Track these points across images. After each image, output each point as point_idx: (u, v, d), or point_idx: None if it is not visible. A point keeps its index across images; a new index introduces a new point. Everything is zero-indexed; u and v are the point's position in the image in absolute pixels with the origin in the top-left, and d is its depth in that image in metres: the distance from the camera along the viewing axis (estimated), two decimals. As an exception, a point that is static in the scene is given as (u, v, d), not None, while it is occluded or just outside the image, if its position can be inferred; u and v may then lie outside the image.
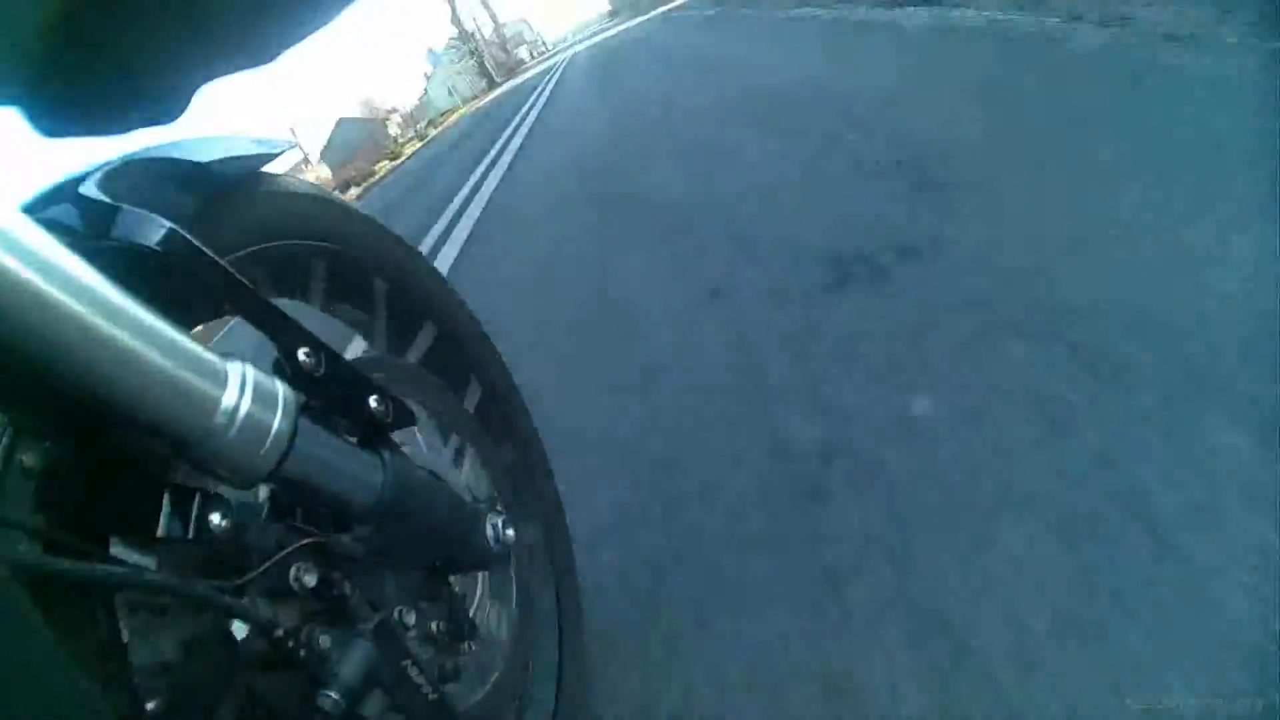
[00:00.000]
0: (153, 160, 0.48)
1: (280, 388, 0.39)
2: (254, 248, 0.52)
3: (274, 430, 0.38)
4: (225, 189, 0.51)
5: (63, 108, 0.42)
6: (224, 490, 0.39)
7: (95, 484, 0.35)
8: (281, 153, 0.57)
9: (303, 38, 0.50)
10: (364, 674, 0.41)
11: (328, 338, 0.47)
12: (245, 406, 0.36)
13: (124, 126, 0.46)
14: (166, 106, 0.46)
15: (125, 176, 0.45)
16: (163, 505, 0.36)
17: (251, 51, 0.48)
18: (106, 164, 0.46)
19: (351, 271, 0.63)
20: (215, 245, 0.43)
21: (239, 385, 0.37)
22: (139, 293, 0.35)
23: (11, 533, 0.31)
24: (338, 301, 0.64)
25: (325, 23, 0.50)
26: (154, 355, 0.34)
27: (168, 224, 0.39)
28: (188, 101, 0.47)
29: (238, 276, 0.43)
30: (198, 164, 0.50)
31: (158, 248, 0.39)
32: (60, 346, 0.31)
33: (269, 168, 0.57)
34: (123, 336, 0.33)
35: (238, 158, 0.53)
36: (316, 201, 0.60)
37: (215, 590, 0.37)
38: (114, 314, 0.33)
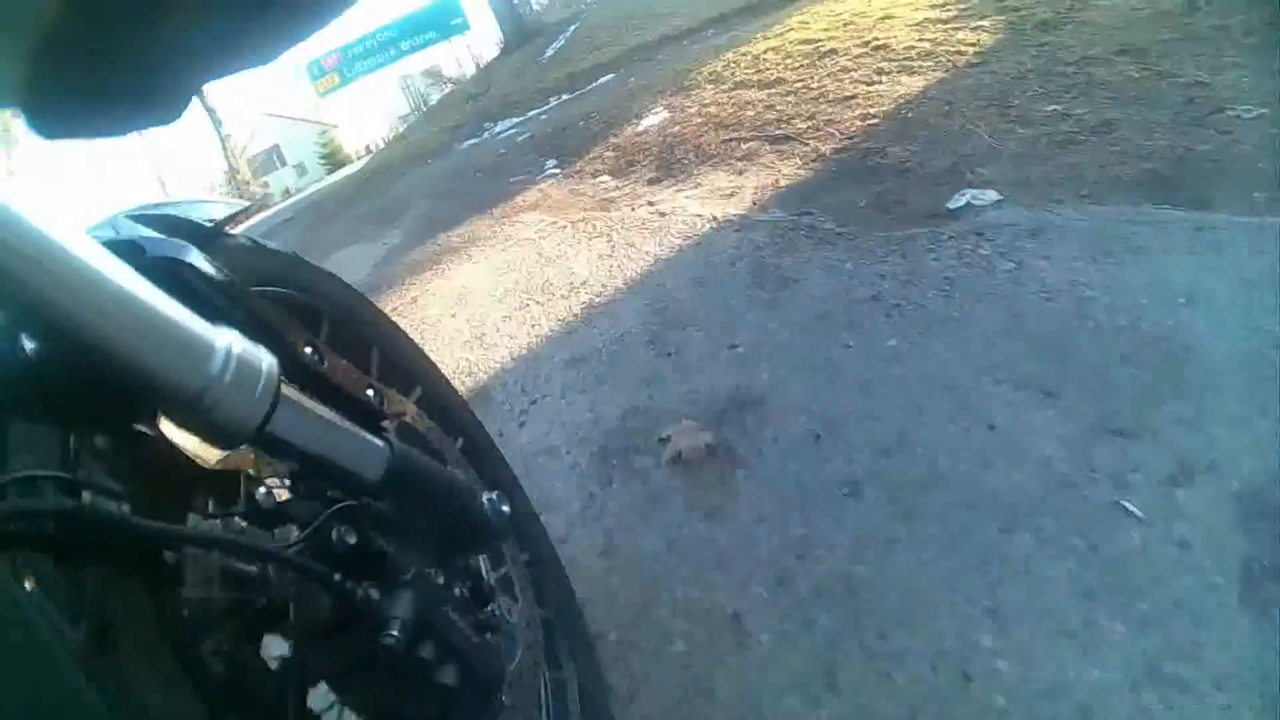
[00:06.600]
0: (146, 216, 0.54)
1: (263, 352, 0.42)
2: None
3: (258, 389, 0.40)
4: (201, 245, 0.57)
5: (63, 108, 0.42)
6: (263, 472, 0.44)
7: (161, 462, 0.39)
8: (243, 211, 0.66)
9: (303, 37, 0.50)
10: (414, 614, 0.46)
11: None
12: (232, 368, 0.39)
13: (124, 127, 0.46)
14: (166, 106, 0.46)
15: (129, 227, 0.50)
16: (212, 486, 0.42)
17: (251, 51, 0.48)
18: (110, 221, 0.50)
19: (307, 313, 0.69)
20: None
21: (226, 349, 0.39)
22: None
23: (100, 496, 0.36)
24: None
25: (325, 23, 0.50)
26: (151, 322, 0.37)
27: (190, 247, 0.44)
28: (188, 101, 0.47)
29: (242, 287, 0.47)
30: (185, 220, 0.56)
31: (185, 260, 0.44)
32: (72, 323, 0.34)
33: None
34: (122, 306, 0.36)
35: (212, 215, 0.61)
36: (273, 255, 0.68)
37: (277, 548, 0.42)
38: (117, 289, 0.36)
